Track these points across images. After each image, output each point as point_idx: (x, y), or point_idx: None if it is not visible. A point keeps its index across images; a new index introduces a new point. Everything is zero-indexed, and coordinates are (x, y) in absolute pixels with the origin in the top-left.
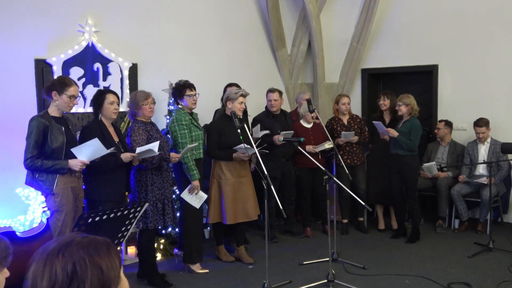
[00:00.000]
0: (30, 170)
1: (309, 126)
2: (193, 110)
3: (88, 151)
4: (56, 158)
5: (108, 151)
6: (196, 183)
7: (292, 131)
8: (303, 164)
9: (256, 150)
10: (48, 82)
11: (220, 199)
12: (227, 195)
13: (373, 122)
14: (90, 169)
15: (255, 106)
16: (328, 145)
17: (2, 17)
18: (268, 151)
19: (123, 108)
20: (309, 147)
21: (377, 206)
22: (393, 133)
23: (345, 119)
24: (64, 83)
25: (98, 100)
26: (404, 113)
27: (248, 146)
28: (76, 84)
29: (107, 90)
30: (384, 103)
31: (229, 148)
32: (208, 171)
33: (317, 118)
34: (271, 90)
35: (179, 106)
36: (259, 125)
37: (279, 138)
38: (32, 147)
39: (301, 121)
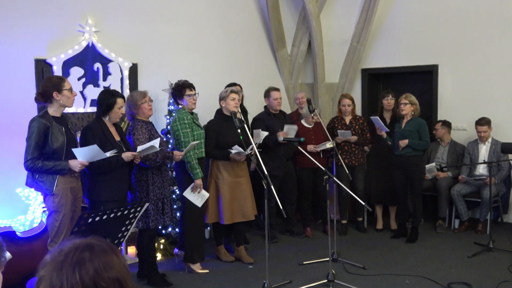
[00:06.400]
0: (31, 171)
1: (310, 126)
2: (193, 110)
3: (87, 154)
4: (56, 158)
5: (108, 154)
6: (199, 181)
7: (295, 126)
8: (305, 164)
9: (247, 153)
10: (39, 90)
11: (217, 199)
12: (224, 195)
13: (371, 118)
14: (93, 170)
15: (256, 105)
16: (329, 144)
17: (2, 17)
18: (261, 150)
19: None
20: (310, 147)
21: (377, 206)
22: (404, 143)
23: (347, 119)
24: (57, 81)
25: (108, 102)
26: (409, 112)
27: (240, 149)
28: (65, 77)
29: (117, 94)
30: (392, 102)
31: (227, 148)
32: (207, 170)
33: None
34: (275, 89)
35: (179, 106)
36: (260, 129)
37: (279, 137)
38: (32, 149)
39: (302, 121)
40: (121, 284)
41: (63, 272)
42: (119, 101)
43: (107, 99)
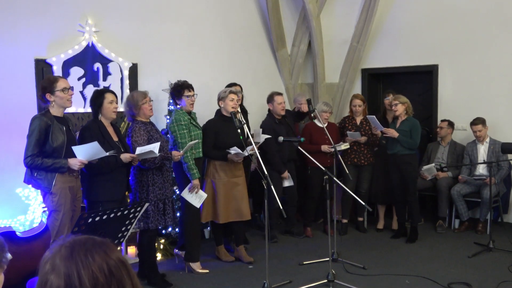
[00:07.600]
0: (30, 168)
1: (323, 126)
2: (192, 110)
3: (87, 152)
4: (56, 157)
5: (107, 153)
6: (196, 182)
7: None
8: (316, 164)
9: (246, 154)
10: (38, 92)
11: (213, 198)
12: (220, 194)
13: (367, 116)
14: (90, 170)
15: (256, 106)
16: (344, 146)
17: (2, 17)
18: (260, 151)
19: (122, 108)
20: (325, 147)
21: (379, 206)
22: (393, 133)
23: (358, 119)
24: (50, 81)
25: (98, 100)
26: (401, 112)
27: (239, 150)
28: (62, 77)
29: (105, 90)
30: None
31: (225, 149)
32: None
33: (313, 118)
34: (278, 93)
35: (177, 106)
36: (261, 129)
37: (279, 138)
38: (33, 145)
39: (315, 121)
40: (124, 264)
41: (74, 258)
42: (108, 95)
43: (96, 97)
